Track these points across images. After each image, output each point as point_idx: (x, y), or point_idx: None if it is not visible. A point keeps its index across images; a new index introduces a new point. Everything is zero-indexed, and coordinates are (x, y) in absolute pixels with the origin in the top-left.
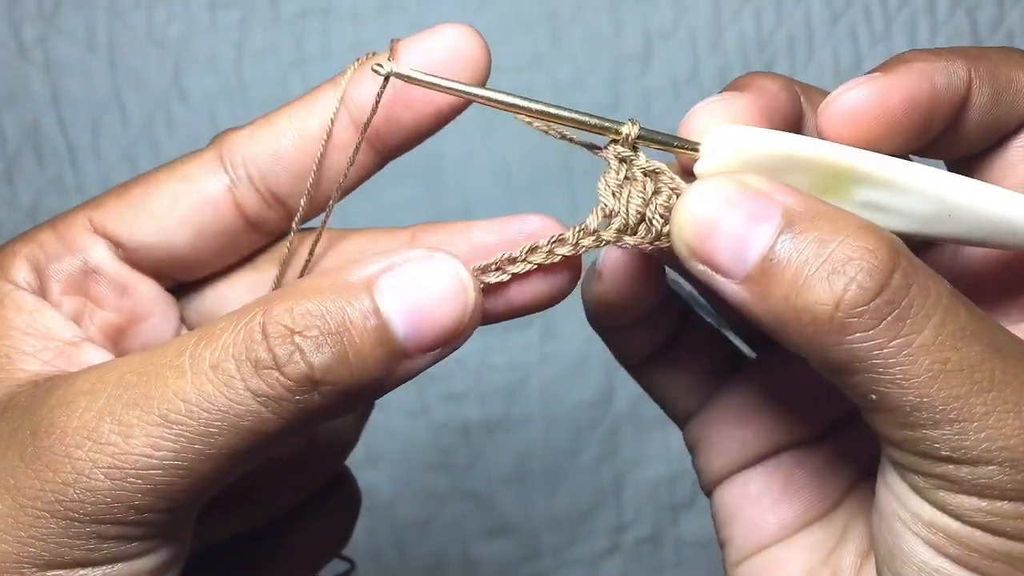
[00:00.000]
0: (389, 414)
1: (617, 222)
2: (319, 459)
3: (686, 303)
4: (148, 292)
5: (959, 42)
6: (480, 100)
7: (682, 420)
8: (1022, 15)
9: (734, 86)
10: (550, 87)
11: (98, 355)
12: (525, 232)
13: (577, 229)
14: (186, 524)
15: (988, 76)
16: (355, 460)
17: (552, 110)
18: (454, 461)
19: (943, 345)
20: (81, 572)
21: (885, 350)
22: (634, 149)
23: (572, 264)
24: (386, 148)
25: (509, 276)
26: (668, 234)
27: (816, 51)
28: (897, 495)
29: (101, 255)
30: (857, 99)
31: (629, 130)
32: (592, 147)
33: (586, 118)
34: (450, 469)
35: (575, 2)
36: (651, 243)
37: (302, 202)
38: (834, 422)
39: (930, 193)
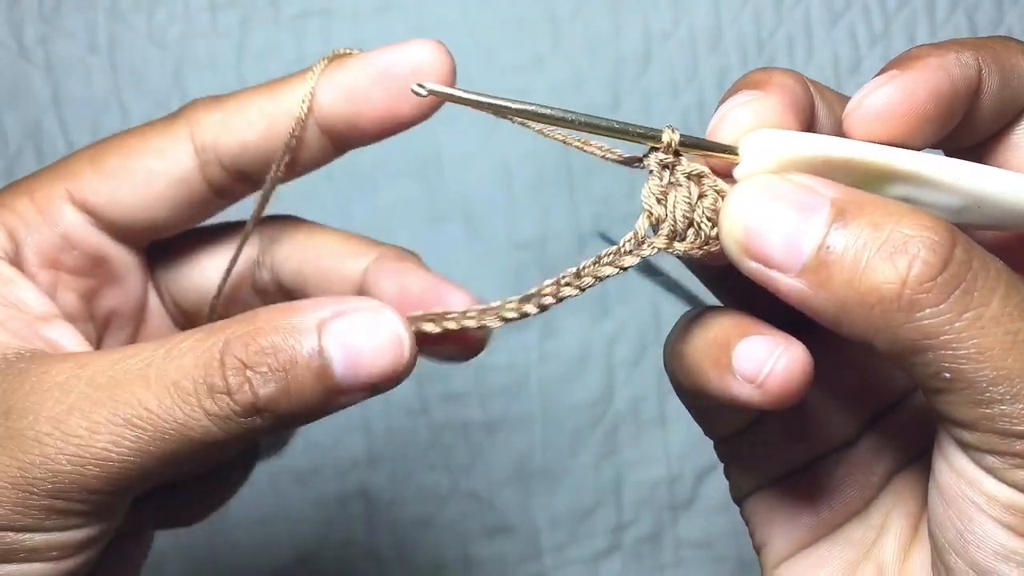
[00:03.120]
0: (389, 414)
1: (666, 228)
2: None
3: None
4: (120, 258)
5: None
6: (522, 116)
7: (717, 438)
8: (1021, 15)
9: (753, 83)
10: (550, 87)
11: (67, 333)
12: (449, 302)
13: (627, 239)
14: (123, 506)
15: (994, 63)
16: (355, 460)
17: (594, 121)
18: (454, 461)
19: (1012, 316)
20: (27, 536)
21: (957, 323)
22: (676, 155)
23: (476, 340)
24: (344, 144)
25: (441, 330)
26: (717, 237)
27: (815, 52)
28: (969, 479)
29: (79, 227)
30: (885, 98)
31: (670, 137)
32: (631, 160)
33: (627, 127)
34: (450, 469)
35: (575, 2)
36: (701, 247)
37: (260, 194)
38: (866, 421)
39: (961, 186)
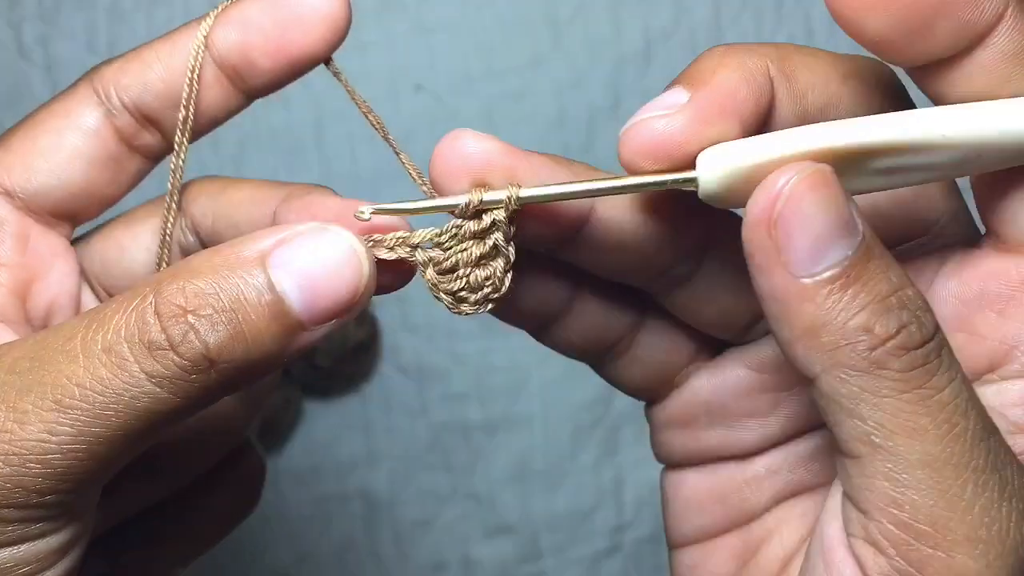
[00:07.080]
0: (389, 414)
1: (433, 271)
2: (212, 435)
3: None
4: (46, 244)
5: None
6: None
7: (648, 400)
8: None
9: (692, 79)
10: (550, 87)
11: (1, 330)
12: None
13: (396, 238)
14: (89, 503)
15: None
16: (355, 460)
17: (423, 205)
18: (454, 461)
19: (955, 408)
20: None
21: (904, 395)
22: (509, 223)
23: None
24: (249, 90)
25: (395, 256)
26: (472, 304)
27: None
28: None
29: (1, 209)
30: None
31: (512, 191)
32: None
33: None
34: (450, 469)
35: (575, 2)
36: (448, 306)
37: (176, 144)
38: (766, 444)
39: (954, 140)
